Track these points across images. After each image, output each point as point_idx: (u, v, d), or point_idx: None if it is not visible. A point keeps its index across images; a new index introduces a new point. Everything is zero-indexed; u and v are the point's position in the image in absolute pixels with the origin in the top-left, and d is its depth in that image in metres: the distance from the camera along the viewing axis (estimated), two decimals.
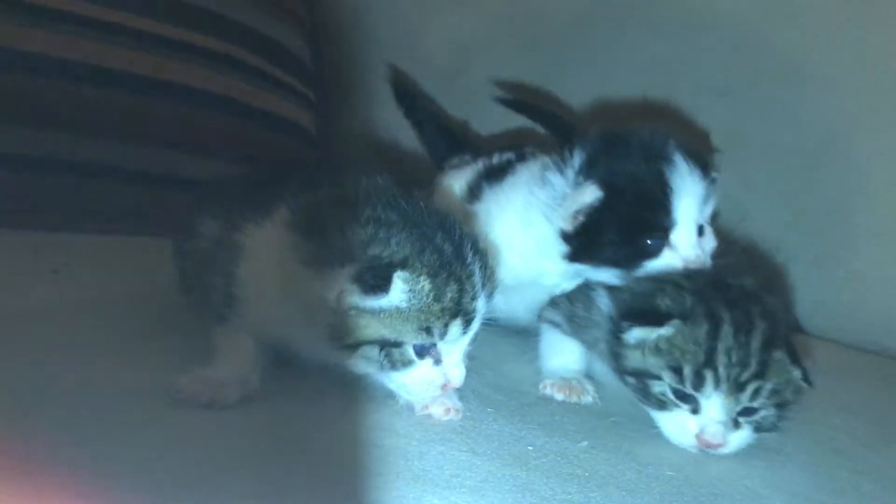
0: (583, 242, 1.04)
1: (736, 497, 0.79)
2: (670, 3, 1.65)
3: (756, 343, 0.88)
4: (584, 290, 1.08)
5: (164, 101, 1.58)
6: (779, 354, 0.88)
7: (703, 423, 0.88)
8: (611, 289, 1.02)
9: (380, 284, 0.76)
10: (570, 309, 1.08)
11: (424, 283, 0.78)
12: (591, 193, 1.01)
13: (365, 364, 0.81)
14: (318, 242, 0.80)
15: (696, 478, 0.81)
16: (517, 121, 1.71)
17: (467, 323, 0.82)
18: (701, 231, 1.04)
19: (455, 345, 0.83)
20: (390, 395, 0.86)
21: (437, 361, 0.83)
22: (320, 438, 0.75)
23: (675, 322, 0.88)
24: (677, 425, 0.90)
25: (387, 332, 0.79)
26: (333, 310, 0.78)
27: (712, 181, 1.07)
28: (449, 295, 0.80)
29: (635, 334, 0.90)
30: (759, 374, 0.87)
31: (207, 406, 0.77)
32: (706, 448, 0.88)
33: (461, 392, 0.88)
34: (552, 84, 1.78)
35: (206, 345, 0.89)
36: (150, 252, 1.35)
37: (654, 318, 0.90)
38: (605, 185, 1.01)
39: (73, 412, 0.74)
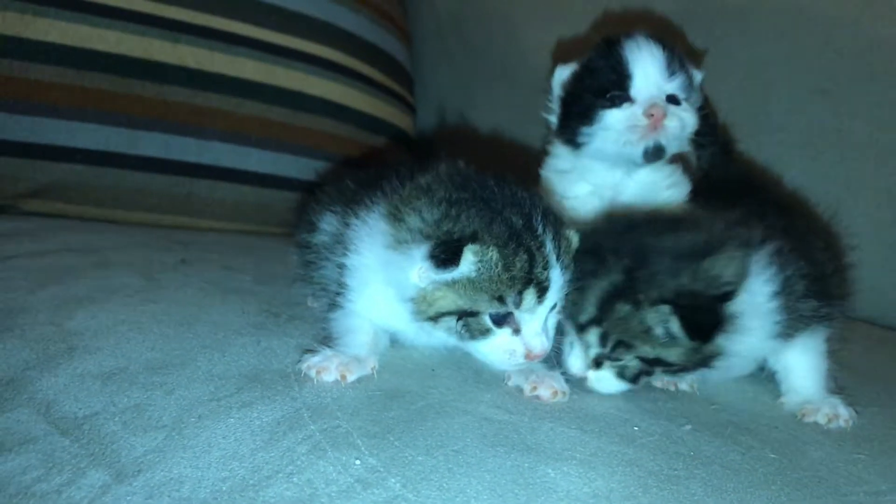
0: (568, 115, 1.14)
1: (840, 481, 0.80)
2: (768, 3, 1.65)
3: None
4: None
5: (274, 105, 1.67)
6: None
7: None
8: None
9: (450, 258, 0.82)
10: None
11: (493, 254, 0.83)
12: (560, 71, 1.15)
13: (447, 334, 0.88)
14: (401, 227, 0.87)
15: (798, 461, 0.82)
16: None
17: (542, 292, 0.86)
18: (675, 101, 1.10)
19: (533, 314, 0.87)
20: (500, 377, 0.91)
21: (517, 331, 0.87)
22: (438, 413, 0.80)
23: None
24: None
25: (462, 303, 0.86)
26: (415, 286, 0.85)
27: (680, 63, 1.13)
28: (518, 264, 0.84)
29: None
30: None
31: (334, 381, 0.84)
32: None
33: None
34: None
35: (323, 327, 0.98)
36: (266, 244, 1.46)
37: None
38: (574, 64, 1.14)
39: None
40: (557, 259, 0.87)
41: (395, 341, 0.98)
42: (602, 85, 1.10)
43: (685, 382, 1.00)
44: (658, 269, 0.90)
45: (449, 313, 0.87)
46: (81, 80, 1.46)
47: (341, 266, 0.97)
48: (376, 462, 0.71)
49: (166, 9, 1.55)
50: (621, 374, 0.93)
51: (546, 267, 0.86)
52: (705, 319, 0.88)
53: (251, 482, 0.69)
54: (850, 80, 1.57)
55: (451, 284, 0.85)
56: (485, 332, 0.87)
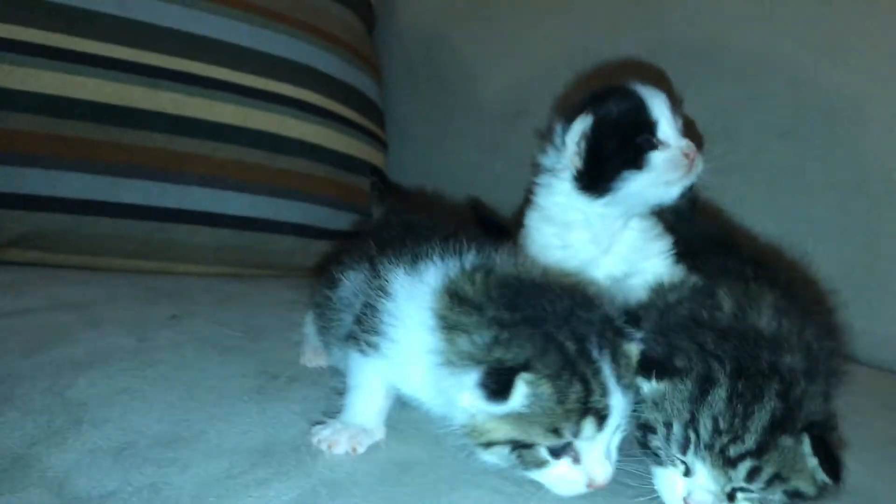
0: (594, 167, 1.13)
1: None
2: (732, 48, 1.71)
3: (758, 419, 0.84)
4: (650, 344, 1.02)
5: (252, 148, 1.69)
6: (789, 441, 0.85)
7: (691, 486, 0.87)
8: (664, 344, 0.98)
9: (501, 390, 0.78)
10: None
11: (545, 387, 0.79)
12: (582, 121, 1.12)
13: (499, 462, 0.84)
14: (450, 344, 0.84)
15: None
16: None
17: (601, 420, 0.81)
18: None
19: (594, 442, 0.83)
20: None
21: (577, 460, 0.83)
22: (451, 486, 0.84)
23: (666, 380, 0.89)
24: (668, 483, 0.89)
25: (516, 434, 0.81)
26: (466, 410, 0.82)
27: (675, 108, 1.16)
28: (573, 396, 0.80)
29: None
30: (756, 453, 0.84)
31: (344, 453, 0.87)
32: None
33: None
34: None
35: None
36: (250, 290, 1.47)
37: (646, 369, 0.90)
38: (591, 113, 1.12)
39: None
40: (618, 382, 0.83)
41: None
42: (635, 132, 1.11)
43: None
44: (804, 393, 0.88)
45: (501, 443, 0.83)
46: (60, 128, 1.46)
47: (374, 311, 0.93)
48: None
49: (144, 55, 1.56)
50: None
51: (604, 394, 0.81)
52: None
53: None
54: (810, 122, 1.64)
55: (503, 416, 0.81)
56: (540, 464, 0.83)
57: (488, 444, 0.83)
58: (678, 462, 0.88)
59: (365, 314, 0.94)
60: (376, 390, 0.94)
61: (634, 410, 0.88)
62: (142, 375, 1.03)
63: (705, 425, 0.85)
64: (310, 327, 1.19)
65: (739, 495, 0.86)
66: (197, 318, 1.25)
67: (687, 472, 0.88)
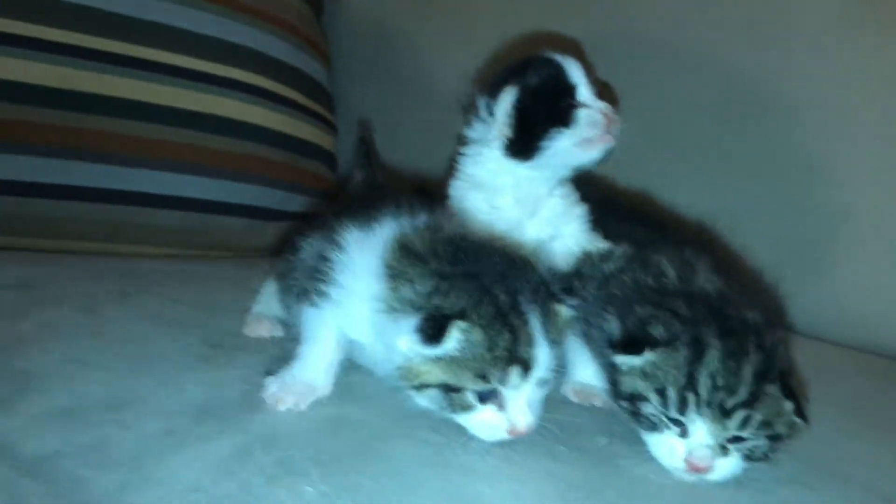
0: (523, 132, 1.19)
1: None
2: (652, 30, 1.79)
3: (747, 372, 0.90)
4: (598, 312, 1.09)
5: (199, 131, 1.72)
6: (772, 388, 0.90)
7: (690, 446, 0.90)
8: (620, 315, 1.04)
9: (436, 334, 0.84)
10: (587, 329, 1.12)
11: (477, 334, 0.85)
12: (508, 93, 1.18)
13: (429, 404, 0.90)
14: (394, 292, 0.91)
15: None
16: None
17: (526, 370, 0.87)
18: None
19: (518, 391, 0.88)
20: None
21: (501, 407, 0.88)
22: (382, 439, 0.88)
23: (658, 350, 0.92)
24: (667, 448, 0.92)
25: (447, 378, 0.87)
26: (403, 353, 0.88)
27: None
28: (502, 344, 0.85)
29: (620, 361, 0.95)
30: (749, 403, 0.89)
31: (290, 408, 0.92)
32: (694, 472, 0.90)
33: None
34: None
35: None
36: (200, 270, 1.51)
37: (638, 346, 0.94)
38: (515, 84, 1.19)
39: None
40: (545, 336, 0.89)
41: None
42: (558, 95, 1.18)
43: (599, 399, 1.10)
44: (773, 343, 0.95)
45: (433, 386, 0.88)
46: (8, 112, 1.49)
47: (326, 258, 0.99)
48: (327, 488, 0.78)
49: (94, 40, 1.58)
50: (749, 456, 0.92)
51: (530, 345, 0.87)
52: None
53: None
54: (735, 103, 1.71)
55: (436, 359, 0.86)
56: (468, 408, 0.88)
57: (421, 387, 0.88)
58: (673, 425, 0.92)
59: (318, 268, 0.99)
60: (328, 342, 0.98)
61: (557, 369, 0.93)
62: (88, 346, 1.06)
63: (705, 384, 0.89)
64: (265, 298, 1.23)
65: (731, 447, 0.91)
66: (147, 294, 1.28)
67: (683, 434, 0.92)
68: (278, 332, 1.17)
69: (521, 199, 1.22)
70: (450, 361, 0.86)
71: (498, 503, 0.78)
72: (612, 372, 0.99)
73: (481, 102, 1.25)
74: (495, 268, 0.92)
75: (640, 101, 1.69)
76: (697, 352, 0.91)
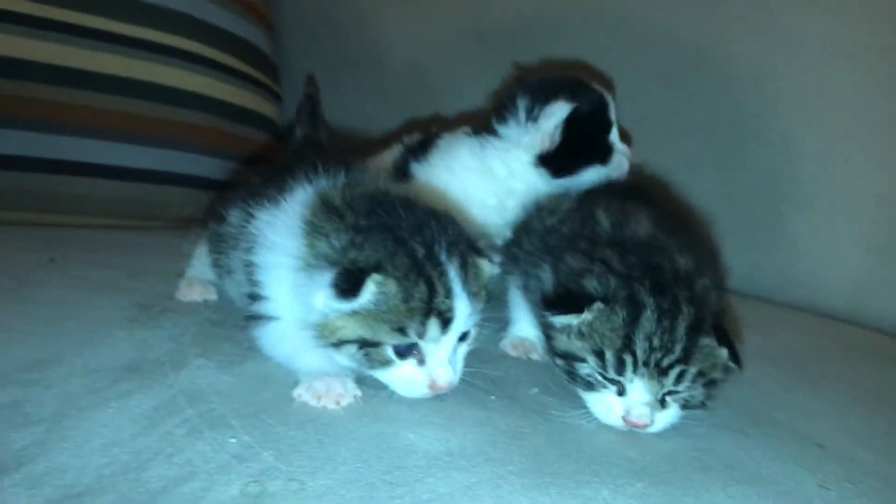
0: (564, 154, 1.23)
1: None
2: (618, 7, 1.79)
3: (681, 329, 0.89)
4: (536, 262, 1.09)
5: (138, 99, 1.68)
6: (706, 340, 0.90)
7: (628, 404, 0.90)
8: (554, 263, 1.03)
9: (351, 288, 0.81)
10: (526, 281, 1.11)
11: (392, 286, 0.83)
12: (562, 108, 1.22)
13: (349, 361, 0.87)
14: (310, 248, 0.88)
15: None
16: (471, 110, 1.84)
17: (445, 322, 0.85)
18: None
19: (438, 344, 0.86)
20: None
21: (422, 362, 0.86)
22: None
23: (596, 307, 0.91)
24: (604, 406, 0.92)
25: (363, 333, 0.85)
26: (320, 311, 0.85)
27: None
28: (418, 295, 0.83)
29: (558, 320, 0.94)
30: (684, 359, 0.89)
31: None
32: (634, 428, 0.90)
33: None
34: (504, 72, 1.90)
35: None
36: (138, 239, 1.48)
37: (573, 305, 0.92)
38: (568, 103, 1.23)
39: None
40: (463, 288, 0.87)
41: None
42: (602, 129, 1.26)
43: (536, 353, 1.10)
44: (704, 289, 0.95)
45: (350, 342, 0.86)
46: None
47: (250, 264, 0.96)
48: (250, 439, 0.77)
49: (25, 5, 1.55)
50: (686, 405, 0.93)
51: (448, 297, 0.85)
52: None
53: (133, 465, 0.74)
54: (682, 66, 1.72)
55: (353, 314, 0.84)
56: (386, 363, 0.86)
57: (339, 343, 0.86)
58: (610, 384, 0.91)
59: (250, 279, 0.96)
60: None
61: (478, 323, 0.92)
62: (13, 311, 1.03)
63: (641, 346, 0.89)
64: (198, 262, 1.21)
65: (668, 399, 0.91)
66: (76, 261, 1.25)
67: (620, 392, 0.91)
68: (212, 296, 1.15)
69: (524, 203, 1.25)
70: (366, 315, 0.84)
71: (425, 450, 0.77)
72: (546, 328, 0.99)
73: (522, 104, 1.26)
74: (412, 221, 0.90)
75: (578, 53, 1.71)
76: (633, 313, 0.90)
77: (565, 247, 1.03)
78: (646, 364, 0.89)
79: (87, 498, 0.71)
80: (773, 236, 1.65)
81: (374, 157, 1.48)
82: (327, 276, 0.83)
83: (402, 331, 0.84)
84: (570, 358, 0.94)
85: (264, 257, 0.93)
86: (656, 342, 0.89)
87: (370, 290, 0.83)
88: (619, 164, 1.27)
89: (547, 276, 1.03)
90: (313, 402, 0.84)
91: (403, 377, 0.87)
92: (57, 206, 1.58)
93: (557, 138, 1.23)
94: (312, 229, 0.89)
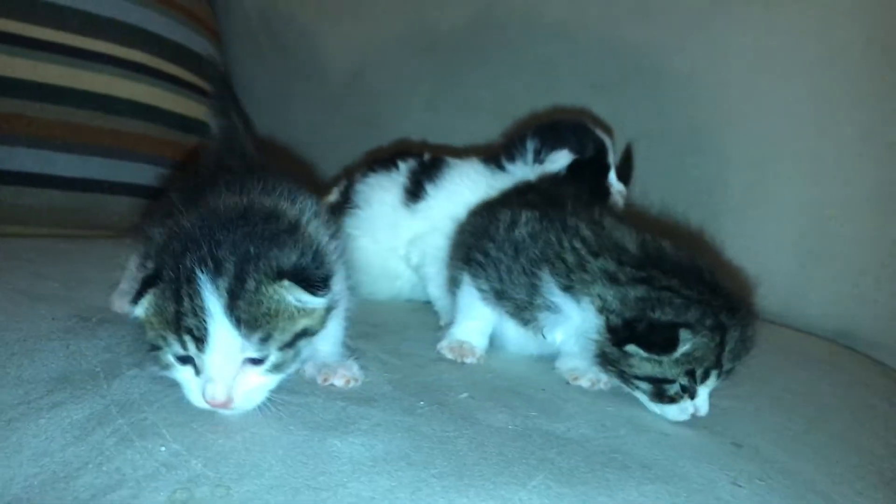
0: None
1: (588, 431, 0.95)
2: (547, 9, 1.82)
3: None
4: (529, 278, 1.12)
5: (80, 109, 1.69)
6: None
7: (697, 404, 1.03)
8: (600, 296, 1.06)
9: (136, 295, 0.86)
10: (501, 287, 1.14)
11: (152, 298, 0.86)
12: (565, 157, 1.38)
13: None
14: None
15: (556, 415, 0.97)
16: (415, 119, 1.88)
17: (198, 341, 0.83)
18: None
19: (206, 359, 0.84)
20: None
21: (198, 372, 0.86)
22: None
23: (687, 337, 0.98)
24: (681, 411, 1.03)
25: (149, 337, 0.88)
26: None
27: None
28: (168, 312, 0.84)
29: (645, 354, 1.00)
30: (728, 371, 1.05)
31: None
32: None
33: (363, 359, 1.02)
34: (447, 82, 1.94)
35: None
36: (78, 248, 1.48)
37: (668, 344, 0.99)
38: (570, 151, 1.40)
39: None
40: (226, 311, 0.83)
41: None
42: (602, 174, 1.41)
43: (473, 357, 1.13)
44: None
45: (147, 342, 0.89)
46: None
47: None
48: (180, 447, 0.79)
49: None
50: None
51: (197, 316, 0.83)
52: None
53: (62, 475, 0.75)
54: (620, 76, 1.77)
55: (146, 318, 0.87)
56: (166, 366, 0.87)
57: (148, 345, 0.89)
58: (686, 395, 1.03)
59: None
60: None
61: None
62: None
63: (727, 360, 1.03)
64: (133, 274, 1.21)
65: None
66: (15, 271, 1.26)
67: (691, 397, 1.04)
68: None
69: None
70: (147, 321, 0.87)
71: (349, 456, 0.80)
72: (619, 357, 1.03)
73: (531, 146, 1.41)
74: (195, 233, 0.87)
75: (537, 78, 1.75)
76: (721, 335, 1.01)
77: (596, 270, 1.08)
78: (721, 371, 1.03)
79: None
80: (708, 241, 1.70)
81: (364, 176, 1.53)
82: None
83: (165, 340, 0.86)
84: (657, 381, 1.02)
85: None
86: (734, 352, 1.03)
87: (145, 300, 0.86)
88: (615, 203, 1.40)
89: (589, 308, 1.07)
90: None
91: (182, 381, 0.88)
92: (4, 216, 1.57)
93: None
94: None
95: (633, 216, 1.41)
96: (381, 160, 1.54)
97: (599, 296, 1.05)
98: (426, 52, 1.97)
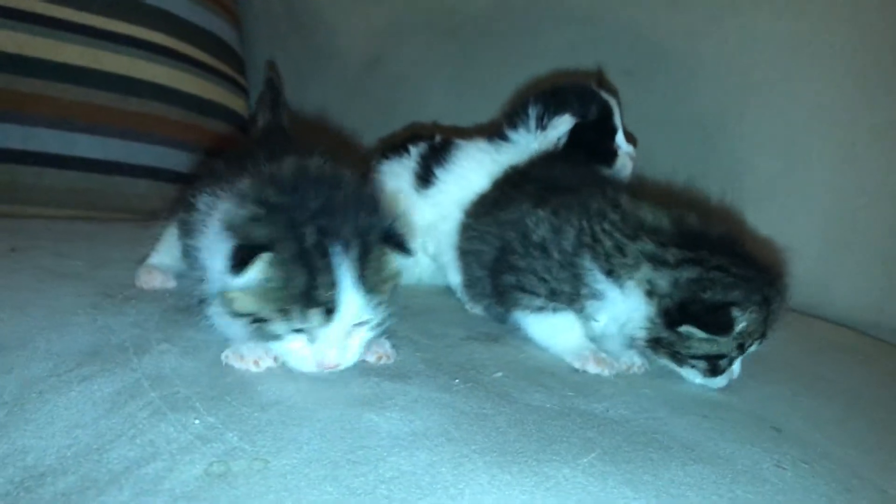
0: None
1: (626, 412, 0.93)
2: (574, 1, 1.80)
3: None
4: (570, 270, 1.09)
5: (101, 90, 1.67)
6: None
7: (734, 371, 1.06)
8: (649, 280, 1.03)
9: (239, 264, 0.81)
10: (549, 288, 1.11)
11: (276, 270, 0.83)
12: (566, 121, 1.33)
13: (243, 331, 0.88)
14: (226, 214, 0.87)
15: (592, 396, 0.95)
16: (435, 105, 1.86)
17: (328, 312, 0.85)
18: None
19: (327, 330, 0.86)
20: None
21: (312, 340, 0.87)
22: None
23: (739, 316, 0.99)
24: (724, 379, 1.05)
25: (254, 308, 0.85)
26: (220, 279, 0.86)
27: None
28: (297, 284, 0.83)
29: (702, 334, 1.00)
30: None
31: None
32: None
33: (393, 339, 1.00)
34: (468, 67, 1.92)
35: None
36: (99, 229, 1.47)
37: (726, 325, 0.99)
38: (573, 115, 1.35)
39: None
40: (356, 280, 0.85)
41: None
42: (607, 137, 1.38)
43: (610, 364, 1.07)
44: None
45: (242, 315, 0.87)
46: None
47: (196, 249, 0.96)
48: (215, 420, 0.77)
49: None
50: None
51: (331, 288, 0.84)
52: None
53: (95, 447, 0.74)
54: (649, 62, 1.75)
55: (245, 288, 0.85)
56: (276, 337, 0.87)
57: (235, 314, 0.87)
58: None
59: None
60: None
61: None
62: None
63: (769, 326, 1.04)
64: (164, 249, 1.20)
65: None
66: (38, 250, 1.25)
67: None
68: (171, 284, 1.15)
69: None
70: (256, 292, 0.85)
71: (388, 430, 0.78)
72: (676, 339, 1.03)
73: (533, 112, 1.37)
74: (312, 205, 0.87)
75: (561, 64, 1.73)
76: (766, 308, 1.02)
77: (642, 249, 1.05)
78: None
79: (49, 478, 0.71)
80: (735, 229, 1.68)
81: (378, 164, 1.51)
82: (226, 248, 0.83)
83: (285, 313, 0.85)
84: (713, 358, 1.03)
85: (208, 240, 0.93)
86: (775, 320, 1.05)
87: (256, 269, 0.83)
88: (624, 164, 1.37)
89: (594, 276, 1.07)
90: (237, 365, 0.88)
91: (293, 351, 0.88)
92: (19, 196, 1.56)
93: (563, 147, 1.33)
94: (240, 195, 0.89)
95: (643, 189, 1.39)
96: (394, 146, 1.52)
97: (649, 280, 1.03)
98: (447, 36, 1.95)
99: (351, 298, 0.85)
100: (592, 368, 1.05)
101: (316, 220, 0.85)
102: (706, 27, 1.69)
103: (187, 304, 1.02)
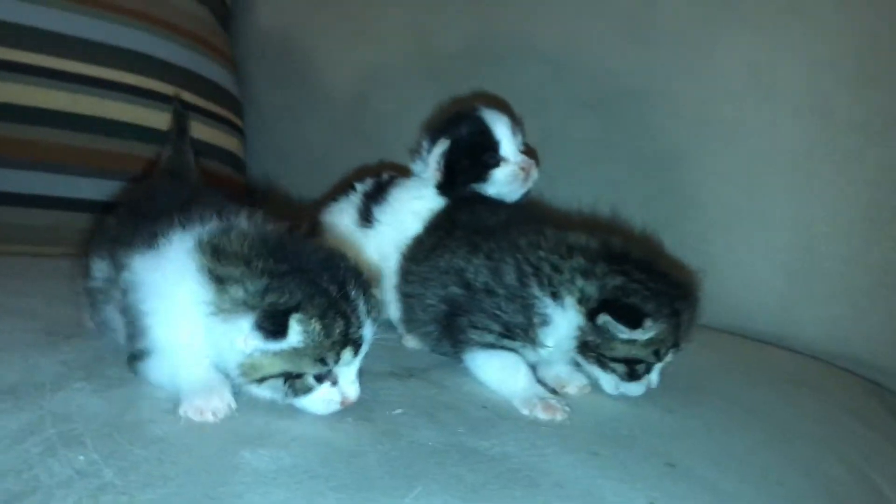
0: (449, 180, 1.40)
1: (515, 450, 0.96)
2: (540, 33, 1.86)
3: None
4: (519, 302, 1.17)
5: (102, 137, 1.77)
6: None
7: (652, 378, 1.17)
8: (581, 289, 1.14)
9: (278, 329, 0.90)
10: (502, 322, 1.18)
11: (315, 324, 0.92)
12: (441, 145, 1.39)
13: (271, 393, 0.96)
14: (223, 296, 0.94)
15: (484, 434, 0.98)
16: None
17: (357, 348, 0.97)
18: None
19: (350, 366, 0.98)
20: None
21: (334, 382, 0.97)
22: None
23: (651, 326, 1.10)
24: (641, 386, 1.16)
25: (288, 367, 0.94)
26: (241, 352, 0.93)
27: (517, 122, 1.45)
28: (337, 330, 0.93)
29: (629, 334, 1.11)
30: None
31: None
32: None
33: None
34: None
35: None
36: (56, 266, 1.54)
37: (636, 321, 1.10)
38: (447, 137, 1.40)
39: None
40: (368, 316, 0.99)
41: None
42: (481, 152, 1.39)
43: (560, 410, 1.09)
44: None
45: (275, 376, 0.95)
46: None
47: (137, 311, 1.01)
48: (98, 457, 0.82)
49: None
50: None
51: (360, 327, 0.97)
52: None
53: None
54: (612, 96, 1.78)
55: (278, 352, 0.93)
56: (308, 390, 0.96)
57: (262, 379, 0.95)
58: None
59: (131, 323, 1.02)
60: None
61: None
62: None
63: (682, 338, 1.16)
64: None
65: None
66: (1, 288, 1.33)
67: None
68: None
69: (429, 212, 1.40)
70: (290, 352, 0.93)
71: (255, 467, 0.82)
72: (603, 341, 1.14)
73: (424, 144, 1.45)
74: (316, 261, 0.99)
75: (529, 99, 1.77)
76: (677, 318, 1.14)
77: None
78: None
79: None
80: (698, 260, 1.68)
81: (330, 204, 1.57)
82: (249, 320, 0.91)
83: (322, 361, 0.94)
84: (631, 362, 1.15)
85: (154, 304, 0.99)
86: (686, 331, 1.16)
87: (295, 330, 0.91)
88: (508, 174, 1.39)
89: (543, 302, 1.16)
90: (197, 419, 0.92)
91: (322, 399, 0.97)
92: (3, 235, 1.65)
93: (443, 169, 1.39)
94: (218, 277, 0.95)
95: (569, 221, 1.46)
96: (343, 184, 1.61)
97: (581, 289, 1.14)
98: (427, 75, 2.01)
99: (369, 332, 0.99)
100: (542, 415, 1.07)
101: (326, 274, 0.97)
102: (666, 63, 1.72)
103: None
